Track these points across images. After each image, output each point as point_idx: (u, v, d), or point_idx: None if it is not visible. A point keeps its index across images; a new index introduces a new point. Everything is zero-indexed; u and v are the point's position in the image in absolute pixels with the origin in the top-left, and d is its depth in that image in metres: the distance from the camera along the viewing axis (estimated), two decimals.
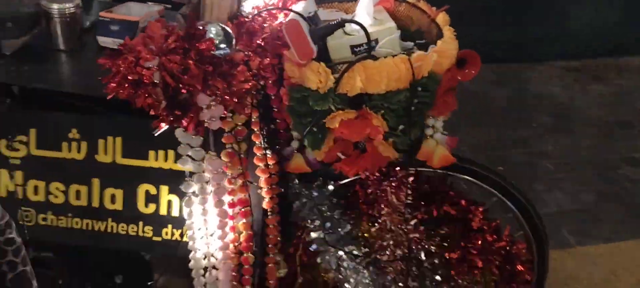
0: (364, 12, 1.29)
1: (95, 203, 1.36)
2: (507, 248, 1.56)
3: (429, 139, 1.31)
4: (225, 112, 1.15)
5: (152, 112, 1.11)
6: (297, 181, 1.42)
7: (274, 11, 1.25)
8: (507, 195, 1.51)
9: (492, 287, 1.60)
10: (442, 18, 1.31)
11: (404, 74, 1.17)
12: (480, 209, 1.54)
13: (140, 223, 1.35)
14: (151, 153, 1.33)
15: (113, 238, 1.37)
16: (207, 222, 1.26)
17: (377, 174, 1.40)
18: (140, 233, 1.36)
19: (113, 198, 1.35)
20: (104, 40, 1.48)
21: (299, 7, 1.24)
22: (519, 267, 1.59)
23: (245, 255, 1.32)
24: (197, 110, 1.11)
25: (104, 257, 1.57)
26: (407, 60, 1.17)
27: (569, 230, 2.37)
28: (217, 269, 1.32)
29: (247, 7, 1.26)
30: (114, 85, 1.09)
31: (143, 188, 1.34)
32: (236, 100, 1.12)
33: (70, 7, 1.45)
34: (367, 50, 1.21)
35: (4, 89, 1.40)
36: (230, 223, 1.28)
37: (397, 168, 1.40)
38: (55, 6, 1.44)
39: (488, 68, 3.56)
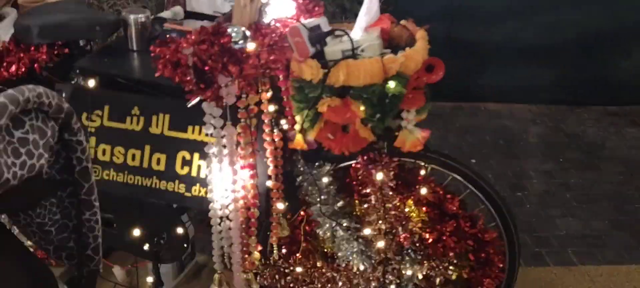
0: (358, 28, 1.65)
1: (146, 165, 1.77)
2: (479, 235, 1.81)
3: (404, 129, 1.61)
4: (239, 91, 1.53)
5: (186, 88, 1.51)
6: (302, 161, 1.77)
7: (287, 21, 1.62)
8: (478, 188, 1.76)
9: (467, 271, 1.85)
10: (420, 34, 1.63)
11: (377, 71, 1.50)
12: (457, 198, 1.81)
13: (177, 182, 1.74)
14: (189, 127, 1.72)
15: (156, 192, 1.76)
16: (223, 180, 1.63)
17: (365, 159, 1.72)
18: (176, 190, 1.75)
19: (158, 161, 1.76)
20: None
21: (306, 20, 1.62)
22: (492, 255, 1.83)
23: (251, 210, 1.67)
24: (218, 87, 1.49)
25: (151, 218, 1.97)
26: (380, 60, 1.50)
27: (574, 252, 2.52)
28: (230, 220, 1.68)
29: (268, 18, 1.65)
30: (161, 66, 1.50)
31: (181, 155, 1.73)
32: (246, 82, 1.50)
33: (142, 18, 1.92)
34: (352, 53, 1.55)
35: (90, 75, 1.86)
36: (240, 182, 1.64)
37: (382, 155, 1.71)
38: (131, 16, 1.91)
39: (525, 108, 3.77)
